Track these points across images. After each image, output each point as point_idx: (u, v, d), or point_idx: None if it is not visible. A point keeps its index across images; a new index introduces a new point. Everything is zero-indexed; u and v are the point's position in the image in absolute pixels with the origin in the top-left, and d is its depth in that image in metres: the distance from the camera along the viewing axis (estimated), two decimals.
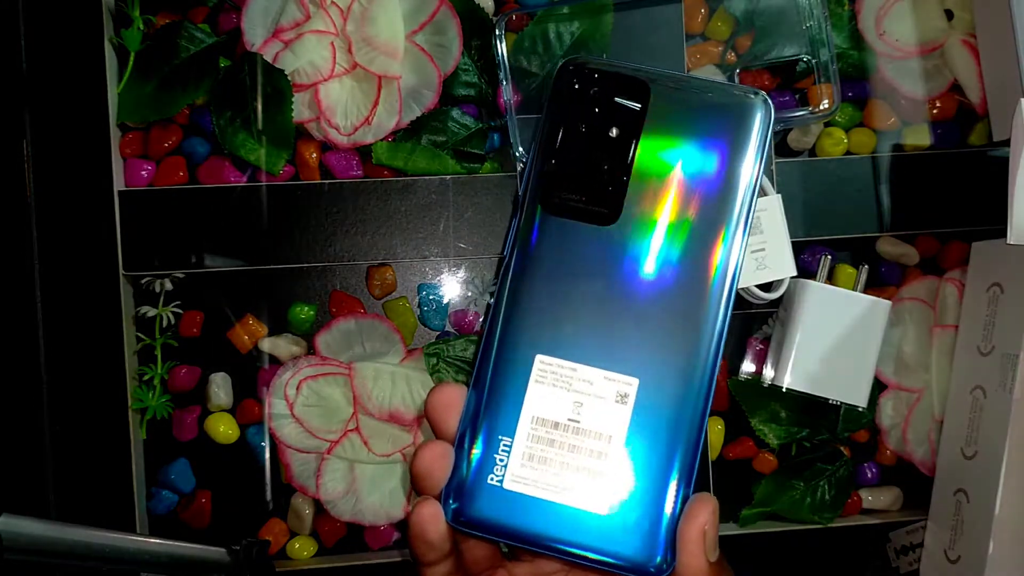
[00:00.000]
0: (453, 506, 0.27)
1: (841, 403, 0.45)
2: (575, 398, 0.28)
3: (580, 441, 0.27)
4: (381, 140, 0.46)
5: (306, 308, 0.48)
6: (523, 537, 0.27)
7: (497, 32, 0.45)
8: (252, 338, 0.47)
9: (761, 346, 0.48)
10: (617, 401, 0.28)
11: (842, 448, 0.49)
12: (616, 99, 0.30)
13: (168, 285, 0.46)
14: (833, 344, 0.44)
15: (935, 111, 0.49)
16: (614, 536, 0.27)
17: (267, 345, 0.47)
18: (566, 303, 0.28)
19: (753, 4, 0.47)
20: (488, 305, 0.30)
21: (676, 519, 0.27)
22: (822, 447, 0.48)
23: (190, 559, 0.37)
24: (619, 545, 0.27)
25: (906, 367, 0.48)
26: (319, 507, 0.47)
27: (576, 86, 0.30)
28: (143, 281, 0.47)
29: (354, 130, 0.46)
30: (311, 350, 0.47)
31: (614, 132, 0.30)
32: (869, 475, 0.50)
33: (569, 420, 0.28)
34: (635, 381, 0.28)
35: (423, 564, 0.28)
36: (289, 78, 0.45)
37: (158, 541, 0.37)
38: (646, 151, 0.29)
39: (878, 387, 0.48)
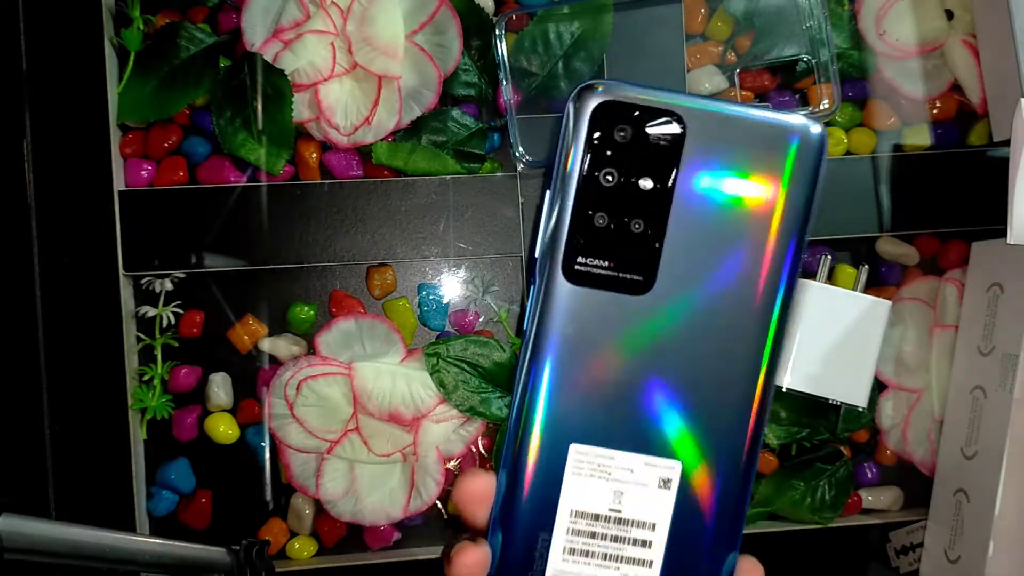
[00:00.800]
0: None
1: (841, 403, 0.45)
2: (615, 487, 0.26)
3: (623, 531, 0.26)
4: (381, 140, 0.46)
5: (306, 308, 0.48)
6: None
7: (497, 32, 0.45)
8: (252, 338, 0.47)
9: None
10: (660, 487, 0.26)
11: (842, 448, 0.49)
12: (648, 141, 0.26)
13: (168, 285, 0.46)
14: (833, 344, 0.44)
15: (935, 111, 0.49)
16: None
17: (267, 345, 0.47)
18: (598, 385, 0.26)
19: (753, 4, 0.48)
20: (514, 370, 0.27)
21: None
22: (822, 447, 0.48)
23: (190, 559, 0.37)
24: None
25: (906, 367, 0.48)
26: (319, 507, 0.47)
27: (598, 124, 0.26)
28: (143, 281, 0.47)
29: (354, 130, 0.46)
30: (311, 350, 0.47)
31: (647, 184, 0.26)
32: (869, 475, 0.50)
33: (610, 510, 0.26)
34: (678, 465, 0.26)
35: None
36: (289, 78, 0.45)
37: (158, 541, 0.37)
38: (682, 204, 0.25)
39: (878, 387, 0.48)
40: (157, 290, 0.46)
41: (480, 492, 0.27)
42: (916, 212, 0.48)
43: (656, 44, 0.47)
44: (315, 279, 0.48)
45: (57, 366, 0.45)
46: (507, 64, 0.45)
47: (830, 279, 0.49)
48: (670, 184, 0.26)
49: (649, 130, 0.26)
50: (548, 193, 0.26)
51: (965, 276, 0.48)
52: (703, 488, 0.26)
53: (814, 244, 0.48)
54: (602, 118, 0.25)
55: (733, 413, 0.26)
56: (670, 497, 0.26)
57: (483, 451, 0.48)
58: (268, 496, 0.47)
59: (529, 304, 0.26)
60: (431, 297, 0.48)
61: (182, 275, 0.47)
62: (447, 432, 0.47)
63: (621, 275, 0.26)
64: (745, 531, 0.48)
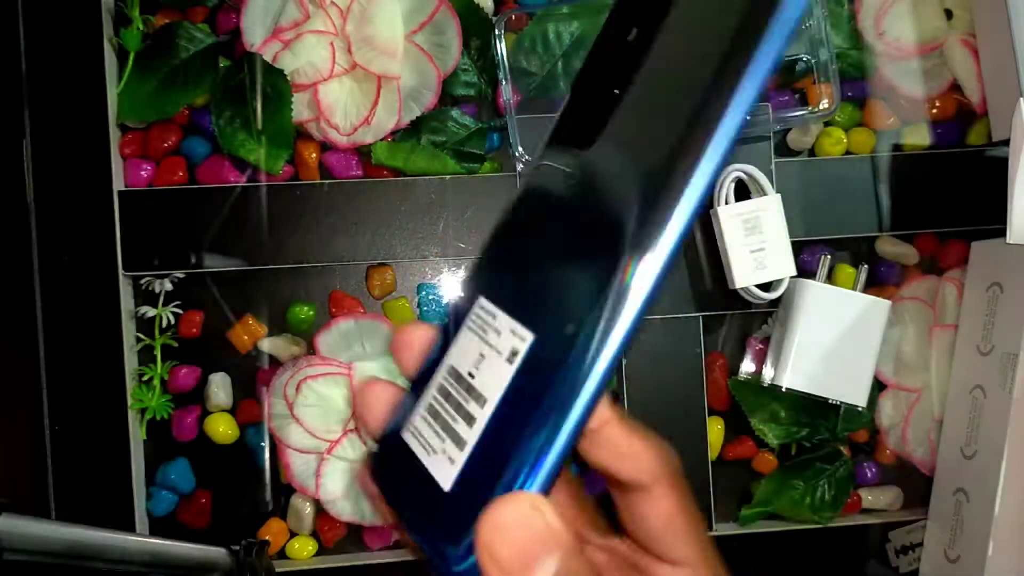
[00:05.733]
0: (375, 449, 0.24)
1: (841, 403, 0.45)
2: (481, 349, 0.22)
3: (466, 400, 0.22)
4: (381, 140, 0.46)
5: (306, 308, 0.48)
6: (389, 498, 0.23)
7: (497, 32, 0.45)
8: (252, 338, 0.47)
9: (761, 346, 0.48)
10: (507, 359, 0.22)
11: (842, 448, 0.49)
12: None
13: (168, 285, 0.46)
14: (833, 344, 0.44)
15: (934, 111, 0.49)
16: (441, 517, 0.22)
17: (267, 345, 0.47)
18: (514, 242, 0.24)
19: None
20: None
21: None
22: (822, 447, 0.48)
23: (190, 559, 0.37)
24: (439, 527, 0.22)
25: (906, 367, 0.48)
26: (319, 507, 0.47)
27: None
28: (143, 281, 0.46)
29: (354, 130, 0.46)
30: (311, 350, 0.47)
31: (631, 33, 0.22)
32: (869, 475, 0.50)
33: (468, 374, 0.22)
34: (529, 337, 0.21)
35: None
36: (289, 78, 0.45)
37: (158, 541, 0.37)
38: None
39: (878, 387, 0.48)
40: (157, 290, 0.46)
41: (411, 342, 0.24)
42: (916, 212, 0.48)
43: None
44: (315, 279, 0.48)
45: (57, 366, 0.45)
46: (507, 64, 0.45)
47: (830, 279, 0.49)
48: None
49: None
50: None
51: (965, 276, 0.48)
52: (541, 379, 0.21)
53: (814, 244, 0.48)
54: None
55: (604, 299, 0.20)
56: (508, 374, 0.21)
57: None
58: (268, 496, 0.47)
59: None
60: (431, 297, 0.48)
61: (182, 275, 0.47)
62: None
63: (574, 128, 0.23)
64: (745, 531, 0.48)
